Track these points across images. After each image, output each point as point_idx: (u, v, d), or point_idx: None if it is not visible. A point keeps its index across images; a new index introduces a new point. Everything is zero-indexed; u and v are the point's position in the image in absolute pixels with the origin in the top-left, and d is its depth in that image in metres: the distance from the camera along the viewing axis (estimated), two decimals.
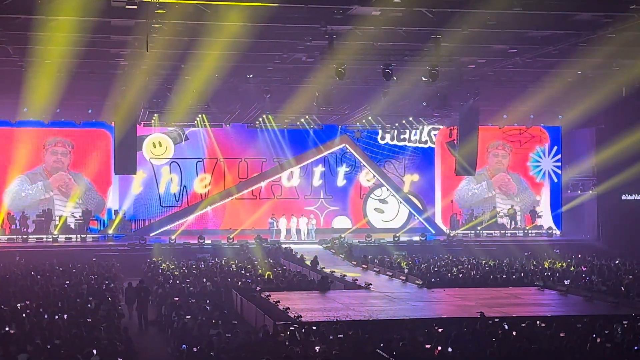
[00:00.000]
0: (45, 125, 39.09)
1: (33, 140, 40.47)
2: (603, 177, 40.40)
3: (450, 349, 16.11)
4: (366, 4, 22.72)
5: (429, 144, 44.48)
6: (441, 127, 43.23)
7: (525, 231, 43.66)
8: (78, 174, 40.94)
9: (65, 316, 20.13)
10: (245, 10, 22.90)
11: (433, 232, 42.92)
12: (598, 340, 16.73)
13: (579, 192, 42.95)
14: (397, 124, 42.30)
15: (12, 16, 23.63)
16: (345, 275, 29.32)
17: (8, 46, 27.75)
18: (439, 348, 16.14)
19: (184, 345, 16.97)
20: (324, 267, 31.11)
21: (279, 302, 22.68)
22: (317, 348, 16.47)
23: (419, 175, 44.59)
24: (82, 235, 39.42)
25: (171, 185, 42.26)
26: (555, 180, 45.00)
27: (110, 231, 40.24)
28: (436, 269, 30.75)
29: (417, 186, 44.64)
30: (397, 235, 40.20)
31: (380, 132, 43.86)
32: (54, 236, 39.19)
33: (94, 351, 16.04)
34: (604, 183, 40.04)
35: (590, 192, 42.18)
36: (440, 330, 18.15)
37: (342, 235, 40.03)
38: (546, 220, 44.63)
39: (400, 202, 44.36)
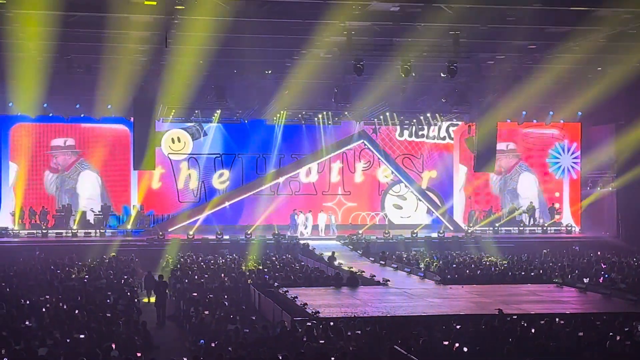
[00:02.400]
0: (65, 121, 39.32)
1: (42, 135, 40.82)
2: (623, 173, 40.19)
3: (468, 346, 16.07)
4: (384, 0, 22.67)
5: (448, 140, 44.34)
6: (460, 123, 43.08)
7: (544, 228, 43.42)
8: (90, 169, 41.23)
9: (85, 311, 20.24)
10: (264, 6, 22.95)
11: (451, 228, 42.80)
12: (617, 338, 16.61)
13: (599, 188, 42.70)
14: (415, 120, 42.25)
15: (33, 12, 23.76)
16: (362, 272, 29.31)
17: (28, 42, 27.91)
18: (457, 345, 16.10)
19: (202, 340, 17.03)
20: (341, 264, 31.11)
21: (296, 297, 22.72)
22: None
23: (437, 172, 44.46)
24: (101, 231, 39.65)
25: (189, 181, 42.45)
26: (575, 176, 44.74)
27: (129, 226, 40.44)
28: (454, 266, 30.68)
29: (435, 182, 44.52)
30: (415, 231, 40.13)
31: (398, 128, 43.78)
32: (73, 231, 39.41)
33: (113, 345, 16.14)
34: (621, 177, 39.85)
35: (610, 188, 41.94)
36: (458, 327, 18.09)
37: (360, 232, 40.02)
38: (565, 217, 44.39)
39: (419, 199, 44.27)
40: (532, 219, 43.91)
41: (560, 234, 42.79)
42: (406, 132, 44.04)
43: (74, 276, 27.33)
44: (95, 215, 40.45)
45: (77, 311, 20.11)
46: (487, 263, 31.86)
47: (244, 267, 30.13)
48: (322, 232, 40.99)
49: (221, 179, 42.83)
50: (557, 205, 44.39)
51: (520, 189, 44.78)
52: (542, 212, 44.36)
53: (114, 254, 33.75)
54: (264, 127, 42.00)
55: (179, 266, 29.94)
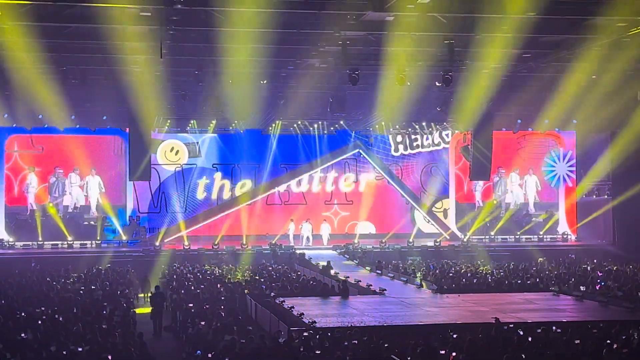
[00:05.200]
0: (60, 132, 39.24)
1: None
2: (618, 181, 40.24)
3: (465, 355, 16.05)
4: (380, 10, 22.72)
5: (443, 145, 44.31)
6: (455, 132, 43.09)
7: (540, 236, 43.39)
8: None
9: (81, 322, 20.17)
10: (259, 16, 22.96)
11: (447, 237, 42.79)
12: (614, 346, 16.62)
13: (594, 197, 42.73)
14: (410, 130, 42.27)
15: (28, 24, 23.76)
16: (359, 281, 29.28)
17: (24, 53, 27.89)
18: (454, 354, 16.08)
19: (198, 351, 16.99)
20: (337, 273, 31.08)
21: (293, 307, 22.68)
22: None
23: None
24: (97, 242, 39.56)
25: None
26: (570, 184, 44.75)
27: (124, 237, 40.35)
28: (451, 274, 30.66)
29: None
30: (411, 240, 40.12)
31: (392, 144, 43.72)
32: (69, 242, 39.33)
33: (109, 357, 16.09)
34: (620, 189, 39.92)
35: (605, 197, 41.95)
36: (455, 335, 18.08)
37: (356, 241, 40.00)
38: (562, 225, 44.39)
39: (416, 209, 44.25)
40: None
41: (556, 242, 42.80)
42: (401, 147, 44.04)
43: (69, 287, 27.28)
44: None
45: (72, 323, 20.04)
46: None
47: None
48: (304, 241, 40.73)
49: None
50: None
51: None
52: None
53: (109, 264, 33.71)
54: (260, 137, 42.03)
55: (174, 277, 29.91)
